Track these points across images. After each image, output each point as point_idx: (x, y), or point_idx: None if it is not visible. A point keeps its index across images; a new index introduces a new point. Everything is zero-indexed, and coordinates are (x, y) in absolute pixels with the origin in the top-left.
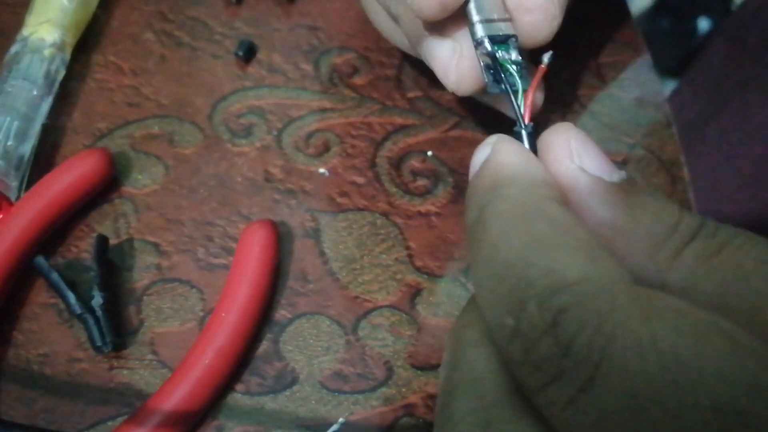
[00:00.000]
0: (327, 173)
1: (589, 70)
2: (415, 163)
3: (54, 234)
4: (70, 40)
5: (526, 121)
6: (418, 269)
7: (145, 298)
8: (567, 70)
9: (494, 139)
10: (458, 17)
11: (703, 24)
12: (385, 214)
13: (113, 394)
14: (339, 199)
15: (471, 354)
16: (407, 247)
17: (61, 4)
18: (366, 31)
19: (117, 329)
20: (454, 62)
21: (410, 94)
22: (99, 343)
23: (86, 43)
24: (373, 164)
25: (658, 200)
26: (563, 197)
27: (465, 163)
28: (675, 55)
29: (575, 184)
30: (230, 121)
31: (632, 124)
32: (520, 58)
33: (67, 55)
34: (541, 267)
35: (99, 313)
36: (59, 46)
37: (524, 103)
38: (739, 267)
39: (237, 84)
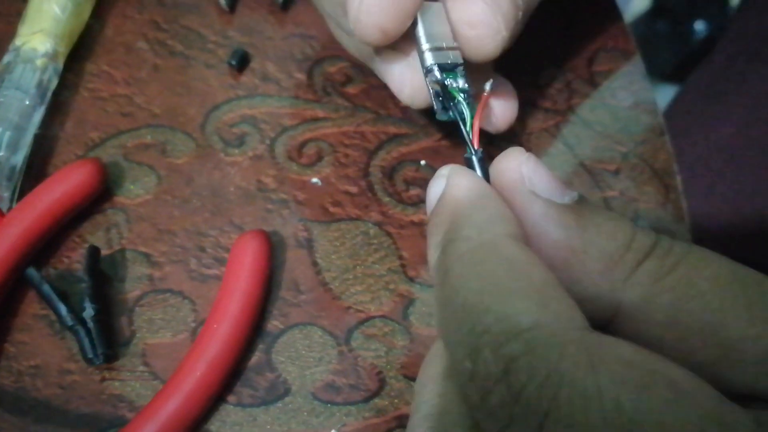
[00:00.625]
0: (320, 183)
1: (582, 78)
2: (408, 172)
3: (46, 245)
4: (63, 50)
5: (476, 146)
6: (411, 279)
7: (136, 309)
8: (559, 78)
9: (447, 170)
10: (407, 36)
11: (700, 27)
12: (378, 224)
13: (105, 406)
14: (332, 209)
15: (438, 387)
16: (400, 257)
17: (53, 14)
18: None
19: (108, 341)
20: (407, 77)
21: (403, 103)
22: (90, 355)
23: (79, 52)
24: (366, 173)
25: (611, 219)
26: (519, 230)
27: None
28: (672, 59)
29: (528, 209)
30: (223, 131)
31: (625, 133)
32: (467, 86)
33: (60, 65)
34: (496, 312)
35: (90, 324)
36: (52, 56)
37: (472, 130)
38: (692, 285)
39: (230, 93)
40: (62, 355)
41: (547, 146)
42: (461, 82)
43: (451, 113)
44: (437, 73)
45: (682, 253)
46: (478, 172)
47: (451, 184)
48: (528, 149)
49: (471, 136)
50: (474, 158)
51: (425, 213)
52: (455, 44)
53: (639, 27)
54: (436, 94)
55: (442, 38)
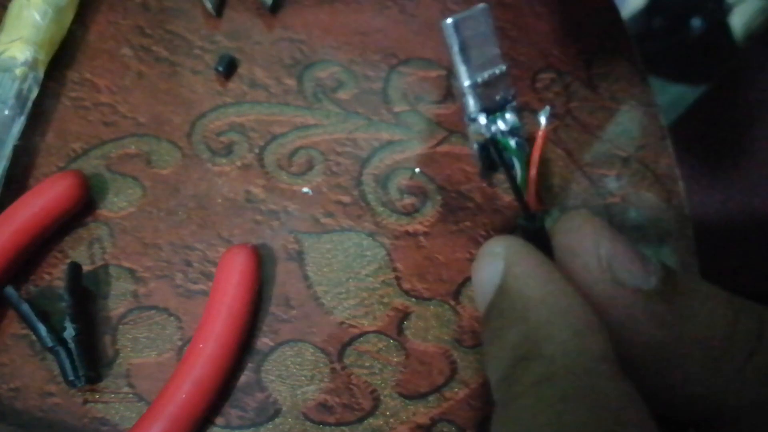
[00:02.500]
0: (311, 192)
1: (580, 81)
2: (402, 180)
3: (26, 261)
4: (44, 58)
5: (535, 207)
6: (406, 292)
7: (120, 327)
8: (558, 82)
9: (501, 248)
10: None
11: (697, 23)
12: (371, 235)
13: (88, 430)
14: (323, 220)
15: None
16: (394, 269)
17: (33, 20)
18: (351, 42)
19: (91, 361)
20: None
21: (397, 108)
22: (71, 377)
23: (61, 59)
24: (358, 182)
25: (706, 299)
26: (611, 344)
27: (454, 180)
28: (668, 55)
29: (612, 302)
30: (210, 140)
31: (626, 137)
32: (517, 121)
33: (41, 74)
34: None
35: (71, 345)
36: (32, 65)
37: (529, 183)
38: None
39: (217, 100)
40: (43, 376)
41: (546, 152)
42: (510, 118)
43: (500, 169)
44: (484, 127)
45: None
46: (539, 247)
47: (514, 274)
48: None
49: (527, 194)
50: (533, 227)
51: (420, 223)
52: (500, 60)
53: (635, 24)
54: (481, 149)
55: (484, 60)
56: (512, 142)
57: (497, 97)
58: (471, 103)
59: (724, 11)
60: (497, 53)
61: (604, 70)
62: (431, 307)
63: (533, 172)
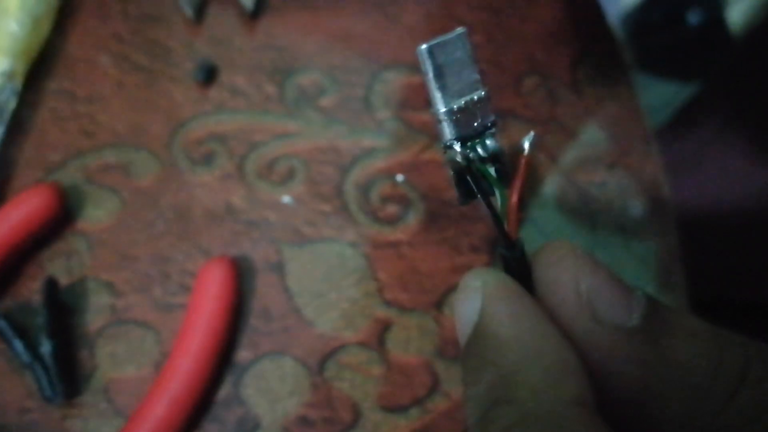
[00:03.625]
0: (292, 202)
1: (565, 85)
2: (384, 188)
3: (3, 275)
4: (22, 68)
5: (514, 236)
6: (388, 303)
7: (99, 341)
8: (543, 87)
9: (480, 282)
10: None
11: (694, 17)
12: (353, 245)
13: None
14: (304, 230)
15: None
16: (376, 279)
17: (11, 31)
18: (333, 48)
19: (69, 377)
20: None
21: (379, 115)
22: (48, 394)
23: (39, 69)
24: (340, 191)
25: (689, 335)
26: (588, 385)
27: (437, 188)
28: (665, 50)
29: (591, 341)
30: (190, 149)
31: (611, 142)
32: (497, 147)
33: (19, 84)
34: None
35: (48, 361)
36: (9, 75)
37: (509, 212)
38: None
39: (197, 108)
40: (21, 392)
41: (530, 159)
42: (490, 144)
43: (478, 196)
44: (459, 155)
45: None
46: (517, 277)
47: (490, 312)
48: (509, 163)
49: (507, 222)
50: (513, 256)
51: (402, 232)
52: (479, 86)
53: (632, 18)
54: (458, 176)
55: (461, 86)
56: (492, 170)
57: (475, 124)
58: (446, 130)
59: (721, 6)
60: (476, 78)
61: (589, 75)
62: (413, 318)
63: (514, 199)
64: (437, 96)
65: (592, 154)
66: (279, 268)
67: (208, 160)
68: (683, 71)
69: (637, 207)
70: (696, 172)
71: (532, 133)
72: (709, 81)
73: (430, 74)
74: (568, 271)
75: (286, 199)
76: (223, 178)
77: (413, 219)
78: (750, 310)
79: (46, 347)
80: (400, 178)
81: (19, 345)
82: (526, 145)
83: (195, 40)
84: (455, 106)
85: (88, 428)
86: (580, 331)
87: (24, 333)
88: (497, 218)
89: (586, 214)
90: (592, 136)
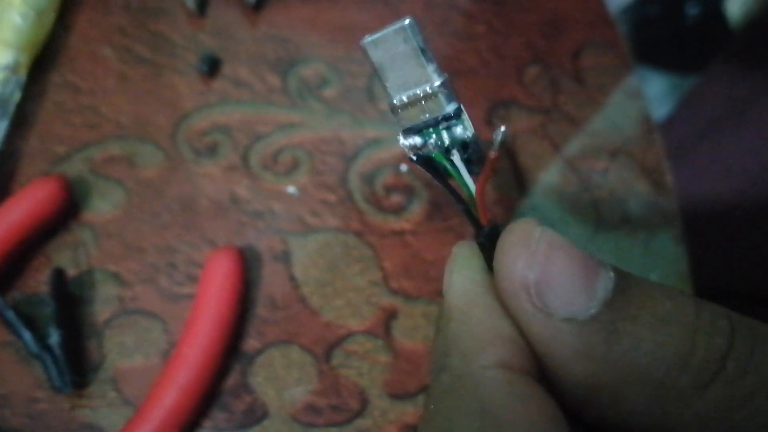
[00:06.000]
0: (296, 192)
1: (567, 74)
2: (388, 178)
3: (10, 266)
4: (26, 61)
5: (483, 221)
6: (394, 291)
7: (106, 331)
8: (545, 75)
9: (453, 255)
10: None
11: (692, 9)
12: (358, 234)
13: None
14: (309, 220)
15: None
16: (382, 268)
17: (14, 23)
18: (335, 39)
19: (77, 367)
20: None
21: (382, 106)
22: (58, 384)
23: (43, 62)
24: (344, 181)
25: (657, 320)
26: (517, 353)
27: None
28: (665, 42)
29: (539, 335)
30: (194, 140)
31: (614, 130)
32: (470, 133)
33: (23, 77)
34: None
35: (57, 351)
36: (13, 68)
37: (477, 198)
38: None
39: (201, 100)
40: (30, 382)
41: (533, 147)
42: (459, 131)
43: (438, 180)
44: (407, 147)
45: (765, 368)
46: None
47: (450, 284)
48: (512, 151)
49: (476, 209)
50: (481, 240)
51: (407, 221)
52: (433, 76)
53: (630, 12)
54: (418, 161)
55: (407, 78)
56: (456, 157)
57: (427, 115)
58: (395, 121)
59: None
60: (431, 68)
61: (592, 63)
62: (419, 305)
63: (478, 190)
64: (384, 89)
65: (594, 143)
66: (285, 258)
67: (212, 151)
68: (681, 63)
69: (640, 195)
70: (692, 162)
71: (502, 128)
72: (707, 73)
73: (375, 68)
74: (517, 260)
75: (290, 189)
76: (227, 169)
77: (417, 208)
78: (748, 300)
79: (54, 338)
80: (403, 167)
81: (27, 336)
82: (497, 140)
83: (198, 33)
84: (401, 100)
85: (96, 418)
86: (528, 323)
87: (32, 324)
88: (461, 204)
89: (590, 202)
90: (594, 124)
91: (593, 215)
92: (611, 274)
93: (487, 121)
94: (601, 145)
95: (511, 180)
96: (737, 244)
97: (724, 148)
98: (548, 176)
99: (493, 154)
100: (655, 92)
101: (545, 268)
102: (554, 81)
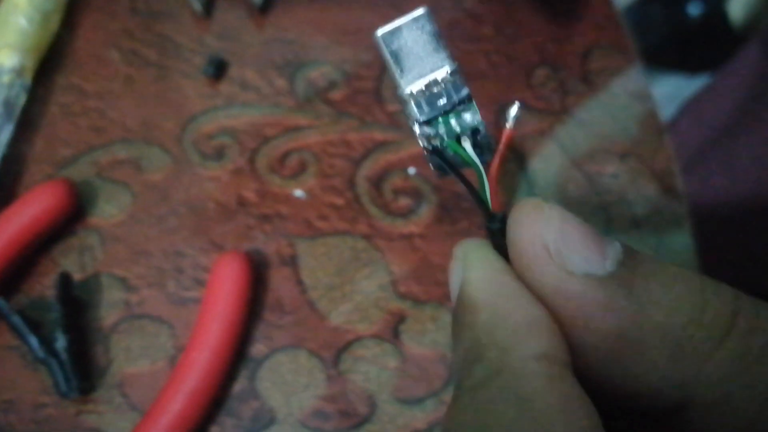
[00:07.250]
0: (304, 196)
1: (576, 77)
2: (396, 181)
3: (16, 270)
4: (31, 64)
5: (495, 208)
6: (402, 296)
7: (113, 336)
8: (553, 78)
9: (462, 251)
10: None
11: (694, 9)
12: (366, 238)
13: None
14: (317, 223)
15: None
16: (390, 272)
17: (20, 27)
18: (342, 42)
19: (84, 371)
20: None
21: (390, 108)
22: (64, 389)
23: (49, 65)
24: (352, 184)
25: (670, 282)
26: (554, 341)
27: (448, 180)
28: (667, 43)
29: (562, 296)
30: (201, 144)
31: (623, 133)
32: (477, 122)
33: (28, 80)
34: None
35: (63, 356)
36: (19, 71)
37: (489, 185)
38: None
39: (208, 103)
40: (36, 387)
41: (542, 149)
42: (468, 118)
43: (451, 169)
44: (422, 137)
45: None
46: (500, 250)
47: (468, 279)
48: (521, 154)
49: (488, 195)
50: (494, 228)
51: (415, 224)
52: (446, 63)
53: (632, 13)
54: (430, 155)
55: (422, 66)
56: (467, 144)
57: (442, 102)
58: (412, 110)
59: None
60: (443, 56)
61: (600, 65)
62: (427, 310)
63: (492, 172)
64: (398, 79)
65: (603, 145)
66: (292, 262)
67: (219, 154)
68: (685, 64)
69: (650, 198)
70: (701, 165)
71: (516, 104)
72: (714, 75)
73: (389, 59)
74: (535, 226)
75: (298, 192)
76: (234, 172)
77: (426, 211)
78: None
79: (60, 342)
80: (411, 170)
81: (33, 340)
82: (511, 116)
83: (204, 35)
84: (417, 89)
85: (103, 423)
86: (552, 285)
87: (38, 328)
88: (473, 192)
89: (599, 205)
90: (603, 127)
91: (603, 218)
92: (617, 243)
93: (495, 123)
94: (610, 147)
95: (520, 182)
96: (747, 248)
97: (732, 153)
98: (557, 179)
99: (508, 130)
100: (660, 93)
101: (563, 230)
102: (563, 83)
